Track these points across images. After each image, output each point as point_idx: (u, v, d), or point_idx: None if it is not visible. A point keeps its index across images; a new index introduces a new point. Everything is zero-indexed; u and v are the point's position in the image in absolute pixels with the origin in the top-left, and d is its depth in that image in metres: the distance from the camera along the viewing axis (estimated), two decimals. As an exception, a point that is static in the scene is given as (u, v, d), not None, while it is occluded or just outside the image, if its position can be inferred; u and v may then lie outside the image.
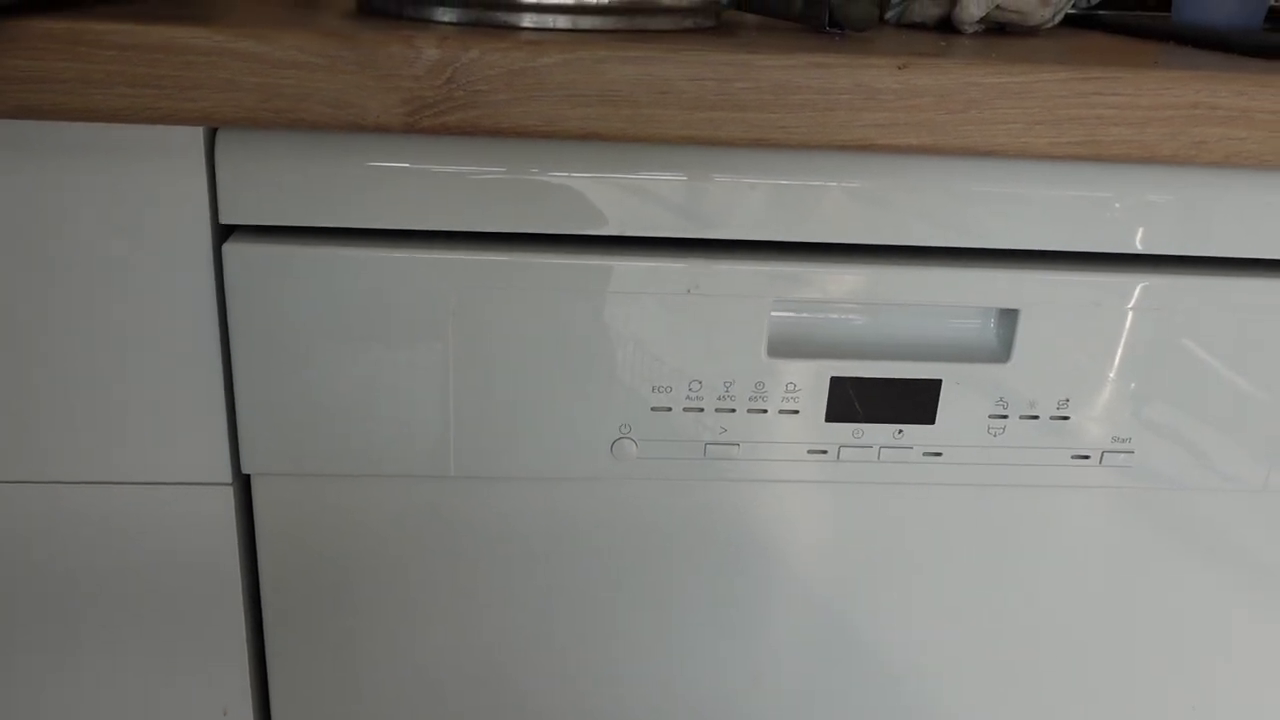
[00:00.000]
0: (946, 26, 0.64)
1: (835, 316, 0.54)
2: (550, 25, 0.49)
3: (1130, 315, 0.53)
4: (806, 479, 0.56)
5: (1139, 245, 0.52)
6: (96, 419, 0.52)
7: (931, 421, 0.54)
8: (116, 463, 0.53)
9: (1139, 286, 0.53)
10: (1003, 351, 0.54)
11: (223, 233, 0.50)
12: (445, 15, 0.50)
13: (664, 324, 0.52)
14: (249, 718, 0.60)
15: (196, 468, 0.53)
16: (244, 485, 0.56)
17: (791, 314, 0.54)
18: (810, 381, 0.53)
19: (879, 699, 0.63)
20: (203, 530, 0.55)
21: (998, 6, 0.61)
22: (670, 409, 0.53)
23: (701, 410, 0.53)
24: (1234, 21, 0.69)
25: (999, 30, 0.64)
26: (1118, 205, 0.51)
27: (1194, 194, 0.51)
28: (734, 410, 0.54)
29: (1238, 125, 0.47)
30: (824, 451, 0.55)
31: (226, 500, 0.54)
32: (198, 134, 0.47)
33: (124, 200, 0.48)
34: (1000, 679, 0.63)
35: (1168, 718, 0.65)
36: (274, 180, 0.48)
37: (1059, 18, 0.64)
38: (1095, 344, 0.53)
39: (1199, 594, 0.61)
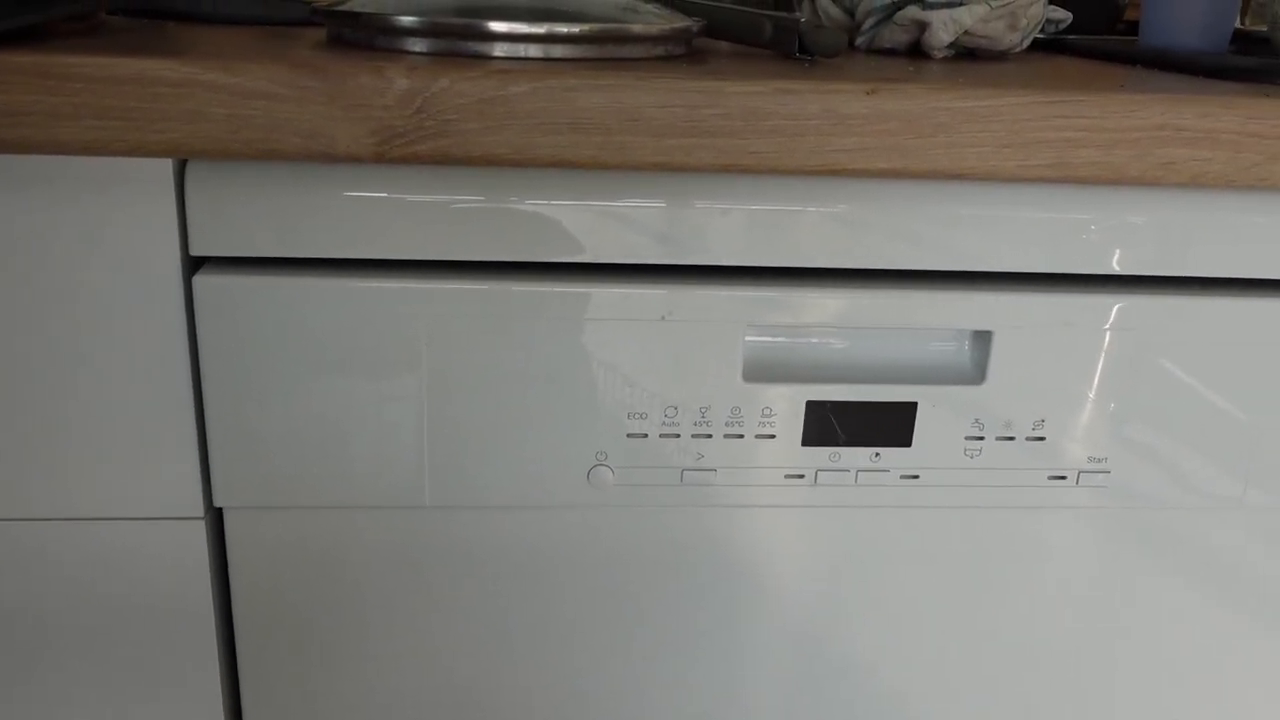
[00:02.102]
0: (916, 52, 0.64)
1: (810, 340, 0.54)
2: (521, 54, 0.49)
3: (1103, 335, 0.53)
4: (784, 504, 0.55)
5: (1111, 266, 0.52)
6: (66, 453, 0.52)
7: (908, 444, 0.54)
8: (86, 497, 0.53)
9: (1111, 307, 0.53)
10: (977, 373, 0.54)
11: (193, 264, 0.50)
12: (416, 45, 0.50)
13: (639, 350, 0.52)
14: (224, 755, 0.59)
15: (168, 502, 0.53)
16: (216, 519, 0.55)
17: (766, 339, 0.54)
18: (786, 406, 0.53)
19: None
20: (175, 565, 0.54)
21: (966, 32, 0.62)
22: (646, 435, 0.53)
23: (678, 436, 0.53)
24: (1200, 45, 0.70)
25: (968, 55, 0.65)
26: (1089, 227, 0.52)
27: (1163, 215, 0.52)
28: (710, 436, 0.53)
29: (1203, 146, 0.48)
30: (801, 476, 0.55)
31: (198, 534, 0.54)
32: (167, 166, 0.47)
33: (94, 233, 0.48)
34: (982, 700, 0.62)
35: (1151, 738, 0.64)
36: (245, 211, 0.48)
37: (1027, 42, 0.65)
38: (1069, 364, 0.54)
39: (1178, 611, 0.61)
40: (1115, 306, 0.53)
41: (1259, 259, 0.53)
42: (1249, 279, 0.54)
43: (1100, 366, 0.54)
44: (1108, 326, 0.53)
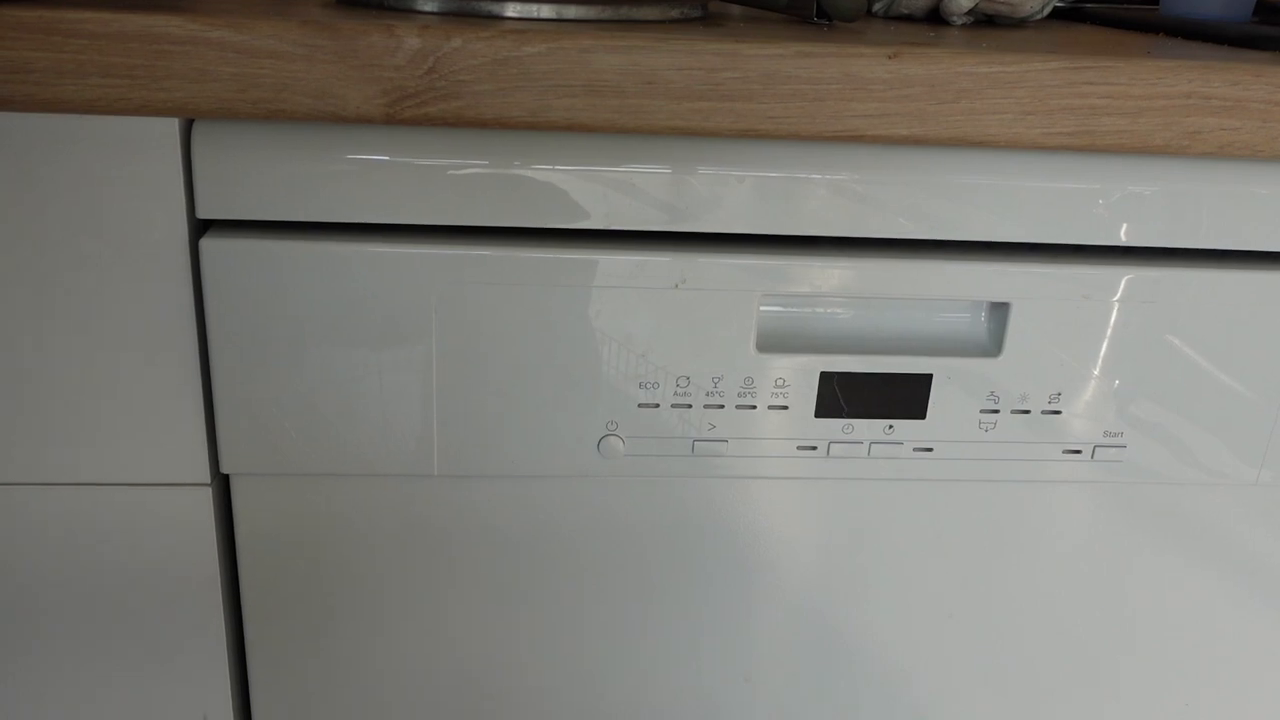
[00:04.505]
0: (935, 18, 0.63)
1: (825, 311, 0.53)
2: (535, 15, 0.48)
3: (1122, 308, 0.53)
4: (796, 475, 0.55)
5: (1131, 238, 0.52)
6: (71, 419, 0.51)
7: (922, 416, 0.54)
8: (92, 463, 0.52)
9: (1130, 279, 0.52)
10: (994, 346, 0.53)
11: (200, 227, 0.49)
12: (427, 4, 0.49)
13: (651, 319, 0.51)
14: (230, 722, 0.59)
15: (174, 468, 0.52)
16: (223, 485, 0.54)
17: (780, 308, 0.53)
18: (799, 377, 0.52)
19: (870, 695, 0.62)
20: (181, 532, 0.54)
21: (986, -2, 0.61)
22: (658, 405, 0.52)
23: (689, 407, 0.53)
24: (1223, 14, 0.69)
25: (987, 22, 0.64)
26: (1110, 198, 0.51)
27: (1185, 186, 0.51)
28: (722, 406, 0.53)
29: (1231, 115, 0.47)
30: (813, 448, 0.54)
31: (205, 501, 0.53)
32: (174, 126, 0.46)
33: (99, 194, 0.47)
34: (992, 674, 0.62)
35: (1161, 711, 0.64)
36: (252, 173, 0.47)
37: (1047, 10, 0.64)
38: (1086, 337, 0.53)
39: (1191, 588, 0.61)
40: (1135, 279, 0.52)
41: (1283, 232, 0.52)
42: (1273, 253, 0.53)
43: (1119, 340, 0.53)
44: (1127, 299, 0.52)
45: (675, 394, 0.52)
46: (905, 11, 0.64)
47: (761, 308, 0.52)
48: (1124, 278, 0.52)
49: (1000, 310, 0.53)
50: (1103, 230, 0.51)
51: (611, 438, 0.53)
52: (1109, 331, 0.53)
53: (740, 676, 0.61)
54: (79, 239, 0.48)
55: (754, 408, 0.53)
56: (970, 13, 0.61)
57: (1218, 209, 0.51)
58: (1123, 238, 0.52)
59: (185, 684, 0.57)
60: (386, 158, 0.48)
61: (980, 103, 0.46)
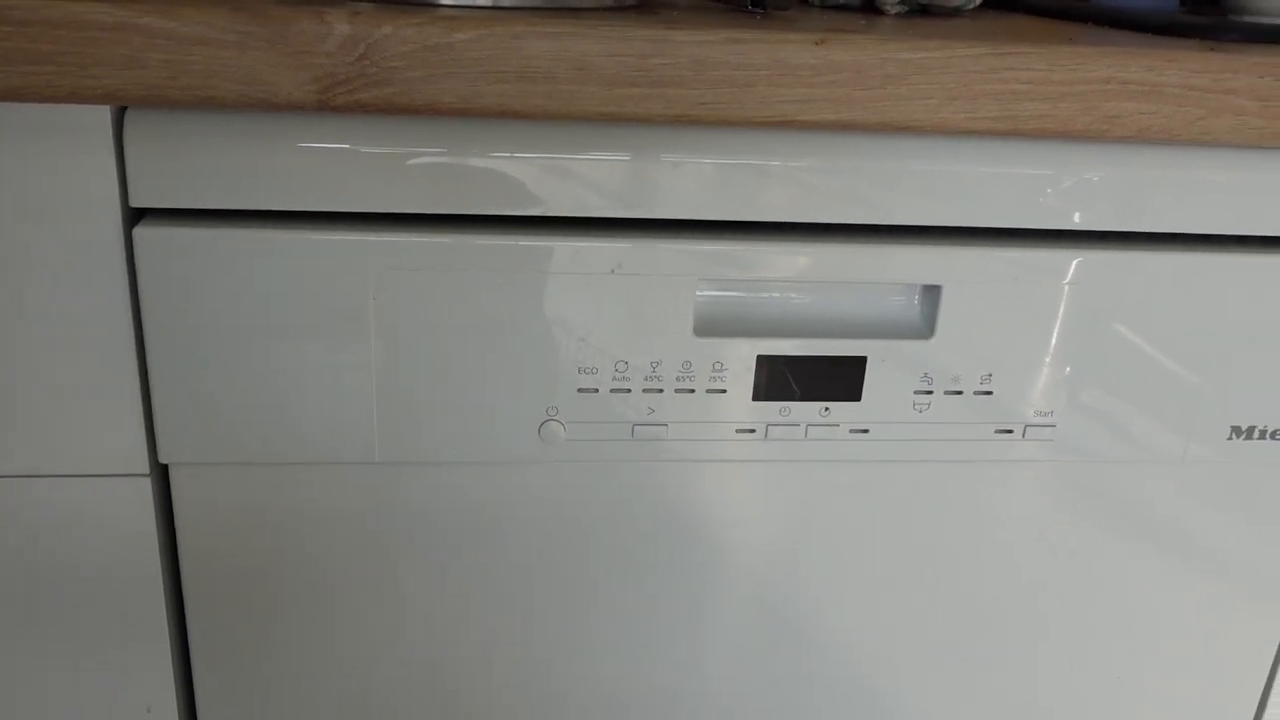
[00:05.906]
0: (870, 7, 0.64)
1: (761, 295, 0.54)
2: (470, 2, 0.48)
3: (1050, 290, 0.54)
4: (735, 458, 0.56)
5: (1057, 221, 0.53)
6: (5, 410, 0.51)
7: (858, 399, 0.55)
8: (29, 455, 0.52)
9: (1058, 262, 0.53)
10: (926, 328, 0.54)
11: (134, 216, 0.49)
12: (361, -8, 0.49)
13: (589, 304, 0.51)
14: (173, 715, 0.58)
15: (112, 459, 0.52)
16: (162, 476, 0.54)
17: (717, 293, 0.54)
18: (737, 361, 0.53)
19: (814, 676, 0.63)
20: (121, 523, 0.53)
21: (919, -13, 0.62)
22: (597, 390, 0.53)
23: (629, 391, 0.53)
24: (1152, 3, 0.71)
25: (922, 12, 0.65)
26: (1036, 182, 0.52)
27: (1110, 170, 0.52)
28: (661, 390, 0.53)
29: (1148, 100, 0.48)
30: (752, 430, 0.55)
31: (144, 491, 0.53)
32: (105, 114, 0.46)
33: (30, 183, 0.47)
34: (931, 650, 0.63)
35: (1093, 684, 0.66)
36: (186, 161, 0.47)
37: (980, -1, 0.65)
38: (1016, 319, 0.54)
39: (1122, 564, 0.62)
40: (1062, 261, 0.53)
41: (1203, 214, 0.53)
42: (1195, 234, 0.55)
43: (1047, 321, 0.54)
44: (1054, 281, 0.54)
45: (614, 378, 0.53)
46: (841, 1, 0.65)
47: (698, 292, 0.53)
48: (1052, 260, 0.53)
49: (932, 293, 0.54)
50: (1030, 214, 0.52)
51: (552, 423, 0.53)
52: (1038, 313, 0.54)
53: (687, 656, 0.61)
54: (11, 228, 0.47)
55: (692, 391, 0.54)
56: (904, 2, 0.62)
57: (1141, 193, 0.53)
58: (1050, 221, 0.53)
59: (129, 676, 0.57)
60: (321, 145, 0.48)
61: (906, 88, 0.47)
